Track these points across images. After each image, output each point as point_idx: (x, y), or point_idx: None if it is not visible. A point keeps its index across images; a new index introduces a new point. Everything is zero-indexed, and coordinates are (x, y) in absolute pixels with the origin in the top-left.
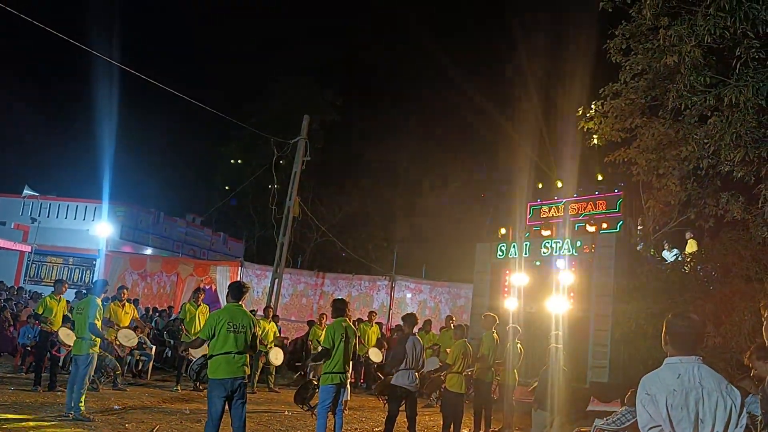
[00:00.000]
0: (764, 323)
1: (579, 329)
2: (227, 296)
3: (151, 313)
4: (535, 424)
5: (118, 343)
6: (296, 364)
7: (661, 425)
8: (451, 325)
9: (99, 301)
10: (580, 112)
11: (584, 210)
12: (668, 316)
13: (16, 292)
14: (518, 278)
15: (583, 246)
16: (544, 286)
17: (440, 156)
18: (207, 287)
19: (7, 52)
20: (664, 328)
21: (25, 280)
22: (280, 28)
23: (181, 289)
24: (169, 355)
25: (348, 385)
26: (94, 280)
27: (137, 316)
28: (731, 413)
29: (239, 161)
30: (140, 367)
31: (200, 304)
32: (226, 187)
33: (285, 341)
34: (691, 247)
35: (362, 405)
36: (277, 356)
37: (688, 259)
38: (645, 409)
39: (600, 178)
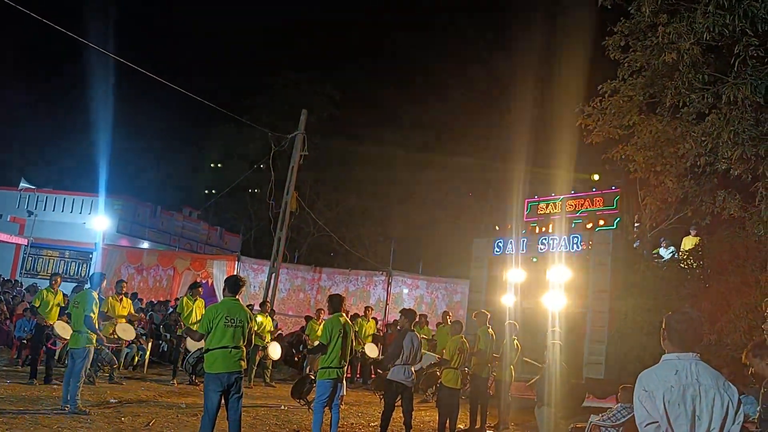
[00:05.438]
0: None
1: (575, 326)
2: (224, 290)
3: (144, 305)
4: (539, 421)
5: (115, 336)
6: (295, 359)
7: (658, 421)
8: (448, 320)
9: (96, 294)
10: (578, 108)
11: (581, 207)
12: (668, 313)
13: (12, 285)
14: (515, 274)
15: (580, 242)
16: (541, 283)
17: (438, 151)
18: (204, 281)
19: (2, 45)
20: (663, 325)
21: (21, 273)
22: (279, 22)
23: (178, 283)
24: (165, 349)
25: (344, 380)
26: (90, 274)
27: (133, 311)
28: (728, 410)
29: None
30: (136, 361)
31: (197, 299)
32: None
33: (282, 335)
34: (687, 244)
35: (358, 400)
36: (275, 351)
37: (685, 257)
38: (642, 405)
39: (597, 177)
